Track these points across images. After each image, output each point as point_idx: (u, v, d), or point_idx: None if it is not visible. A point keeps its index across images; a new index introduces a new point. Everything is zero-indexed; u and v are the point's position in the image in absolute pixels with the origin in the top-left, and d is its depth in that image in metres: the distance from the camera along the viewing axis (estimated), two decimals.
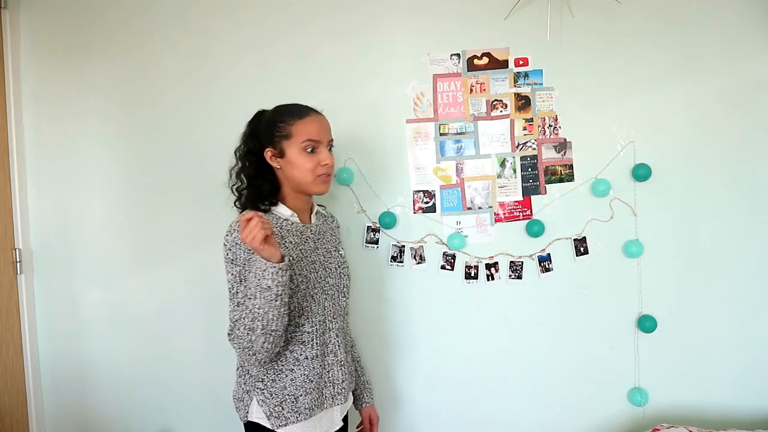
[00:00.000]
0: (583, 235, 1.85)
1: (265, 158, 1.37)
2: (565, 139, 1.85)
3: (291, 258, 1.30)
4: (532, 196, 1.86)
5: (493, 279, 1.87)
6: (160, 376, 1.91)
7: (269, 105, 1.85)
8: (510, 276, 1.87)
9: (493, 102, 1.85)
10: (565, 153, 1.85)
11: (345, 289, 1.48)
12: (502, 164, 1.86)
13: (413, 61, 1.85)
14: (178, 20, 1.88)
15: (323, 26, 1.85)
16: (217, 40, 1.87)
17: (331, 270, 1.44)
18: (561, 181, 1.85)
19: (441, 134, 1.86)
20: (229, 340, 1.23)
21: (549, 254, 1.86)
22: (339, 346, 1.41)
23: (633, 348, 1.87)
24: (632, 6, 1.82)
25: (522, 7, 1.83)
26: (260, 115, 1.43)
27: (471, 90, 1.85)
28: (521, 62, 1.84)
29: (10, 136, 1.86)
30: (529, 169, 1.85)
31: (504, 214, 1.86)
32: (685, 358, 1.86)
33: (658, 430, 1.72)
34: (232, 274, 1.26)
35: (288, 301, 1.23)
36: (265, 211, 1.37)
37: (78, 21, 1.89)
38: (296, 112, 1.36)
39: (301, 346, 1.33)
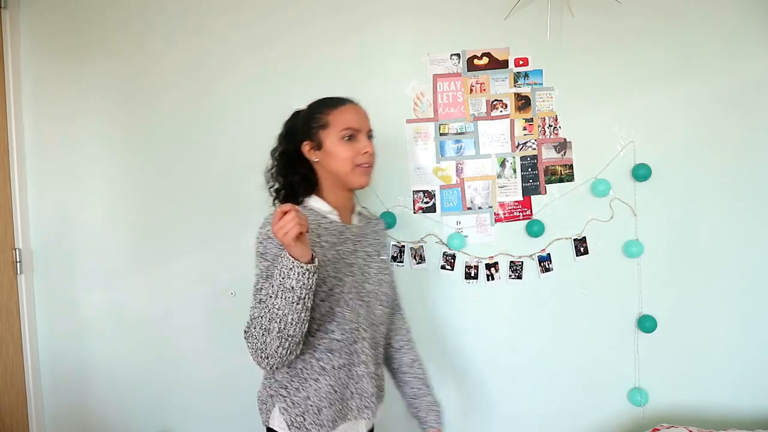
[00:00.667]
0: (583, 235, 1.85)
1: (302, 155, 1.32)
2: (565, 139, 1.85)
3: (326, 258, 1.23)
4: (532, 196, 1.86)
5: (493, 279, 1.87)
6: (160, 377, 1.91)
7: (269, 105, 1.85)
8: (510, 276, 1.87)
9: (493, 102, 1.85)
10: (565, 153, 1.85)
11: (383, 297, 1.36)
12: (502, 164, 1.86)
13: (413, 61, 1.85)
14: (178, 20, 1.88)
15: (323, 26, 1.85)
16: (217, 40, 1.87)
17: (369, 275, 1.33)
18: (561, 181, 1.85)
19: (441, 134, 1.86)
20: (245, 337, 1.16)
21: (549, 254, 1.86)
22: (370, 356, 1.30)
23: (633, 348, 1.87)
24: (632, 6, 1.82)
25: (522, 7, 1.83)
26: (297, 114, 1.39)
27: (471, 90, 1.85)
28: (521, 62, 1.84)
29: (10, 136, 1.86)
30: (529, 169, 1.85)
31: (504, 214, 1.86)
32: (685, 358, 1.86)
33: (658, 430, 1.72)
34: (260, 269, 1.20)
35: (318, 305, 1.19)
36: (302, 206, 1.32)
37: (78, 21, 1.89)
38: (332, 102, 1.32)
39: (329, 354, 1.24)
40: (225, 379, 1.89)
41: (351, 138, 1.27)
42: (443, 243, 1.86)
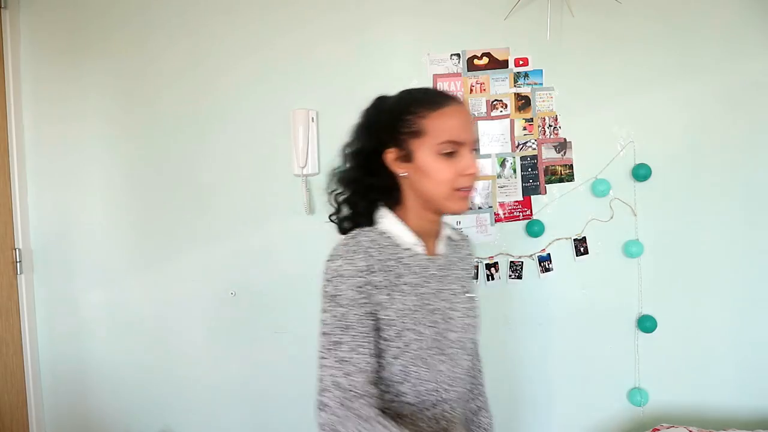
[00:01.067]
0: (583, 235, 1.85)
1: (383, 161, 1.01)
2: (565, 139, 1.85)
3: (405, 307, 0.95)
4: (532, 196, 1.86)
5: (493, 279, 1.87)
6: (160, 377, 1.91)
7: (269, 105, 1.82)
8: (510, 276, 1.86)
9: (493, 102, 1.85)
10: (565, 153, 1.85)
11: (470, 345, 1.09)
12: (502, 164, 1.86)
13: (413, 61, 1.85)
14: (178, 20, 1.88)
15: (323, 26, 1.85)
16: (216, 40, 1.87)
17: (453, 321, 1.03)
18: (561, 181, 1.85)
19: None
20: (318, 407, 0.87)
21: (549, 254, 1.86)
22: (455, 421, 1.03)
23: (633, 348, 1.87)
24: (632, 6, 1.82)
25: (522, 7, 1.83)
26: (380, 103, 1.07)
27: (471, 90, 1.85)
28: (521, 62, 1.84)
29: (10, 135, 1.86)
30: (529, 169, 1.85)
31: (504, 214, 1.86)
32: (684, 358, 1.86)
33: (658, 430, 1.72)
34: (333, 316, 0.91)
35: (390, 363, 0.95)
36: (375, 229, 1.01)
37: (78, 21, 1.89)
38: (431, 100, 0.99)
39: (399, 421, 0.96)
40: (225, 379, 1.89)
41: (451, 154, 0.97)
42: None
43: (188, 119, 1.87)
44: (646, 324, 1.82)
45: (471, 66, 1.85)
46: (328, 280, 0.94)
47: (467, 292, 1.10)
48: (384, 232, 1.01)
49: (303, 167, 1.81)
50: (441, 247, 1.08)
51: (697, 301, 1.85)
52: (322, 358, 0.91)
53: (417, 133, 0.98)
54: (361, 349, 0.90)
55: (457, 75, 1.85)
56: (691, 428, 1.70)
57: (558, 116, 1.85)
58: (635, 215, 1.84)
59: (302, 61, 1.85)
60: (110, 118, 1.89)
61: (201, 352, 1.90)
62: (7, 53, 1.85)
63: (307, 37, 1.86)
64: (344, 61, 1.85)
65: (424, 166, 0.97)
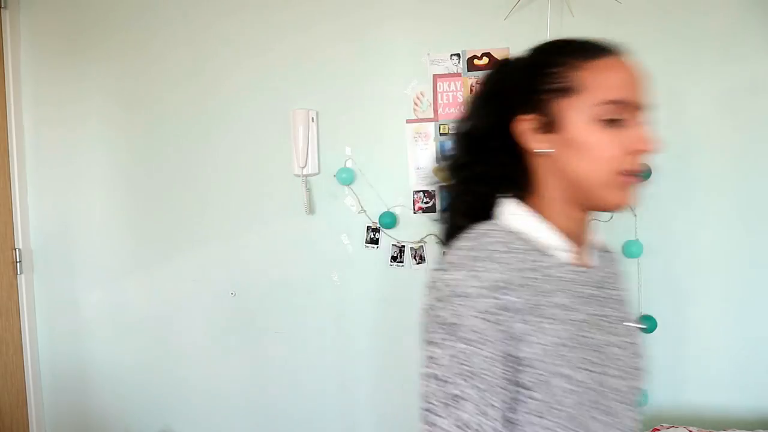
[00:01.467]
0: None
1: (508, 137, 0.74)
2: None
3: (556, 341, 0.65)
4: None
5: None
6: (160, 377, 1.91)
7: (270, 107, 1.81)
8: None
9: None
10: None
11: (634, 394, 0.74)
12: None
13: (413, 62, 1.85)
14: (180, 22, 1.88)
15: (325, 28, 1.85)
16: (218, 41, 1.87)
17: (613, 362, 0.70)
18: None
19: (441, 134, 1.86)
20: None
21: None
22: None
23: None
24: (632, 6, 1.82)
25: (522, 7, 1.83)
26: (509, 63, 0.81)
27: (471, 90, 1.85)
28: None
29: (10, 136, 1.86)
30: None
31: None
32: (685, 358, 1.86)
33: (658, 430, 1.72)
34: (452, 355, 0.62)
35: (528, 422, 0.64)
36: (494, 226, 0.73)
37: (78, 22, 1.89)
38: (588, 47, 0.73)
39: None
40: (225, 378, 1.89)
41: (615, 122, 0.68)
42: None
43: (188, 120, 1.88)
44: (647, 324, 1.82)
45: (471, 66, 1.85)
46: (440, 300, 0.65)
47: (626, 321, 0.76)
48: (515, 232, 0.71)
49: (303, 167, 1.82)
50: (594, 257, 0.78)
51: (697, 301, 1.85)
52: (436, 415, 0.61)
53: (568, 91, 0.69)
54: (491, 411, 0.60)
55: (458, 75, 1.85)
56: (691, 428, 1.70)
57: None
58: (635, 215, 1.84)
59: (303, 62, 1.85)
60: (110, 119, 1.89)
61: (201, 352, 1.90)
62: (7, 54, 1.86)
63: (308, 39, 1.86)
64: (345, 62, 1.85)
65: (578, 137, 0.69)
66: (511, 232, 0.71)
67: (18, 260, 1.86)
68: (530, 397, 0.64)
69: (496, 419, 0.61)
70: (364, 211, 1.87)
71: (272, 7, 1.86)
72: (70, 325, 1.91)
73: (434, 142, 1.86)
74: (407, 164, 1.86)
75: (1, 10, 1.85)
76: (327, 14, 1.86)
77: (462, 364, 0.61)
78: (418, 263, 1.87)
